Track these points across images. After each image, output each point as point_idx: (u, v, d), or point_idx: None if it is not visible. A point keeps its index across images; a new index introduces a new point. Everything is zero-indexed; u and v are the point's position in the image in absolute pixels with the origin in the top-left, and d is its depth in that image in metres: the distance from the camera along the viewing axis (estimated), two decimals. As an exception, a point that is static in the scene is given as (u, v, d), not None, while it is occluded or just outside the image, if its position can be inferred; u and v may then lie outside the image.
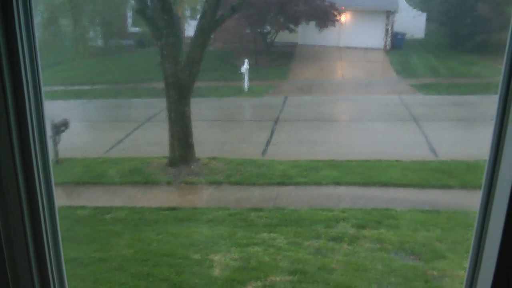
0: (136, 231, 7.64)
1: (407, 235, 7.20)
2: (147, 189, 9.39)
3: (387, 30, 20.48)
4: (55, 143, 9.74)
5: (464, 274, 1.70)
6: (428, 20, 21.32)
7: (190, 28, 12.81)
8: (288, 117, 13.85)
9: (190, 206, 8.71)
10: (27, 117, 1.55)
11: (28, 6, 1.53)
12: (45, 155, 1.66)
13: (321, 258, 6.60)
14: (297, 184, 9.28)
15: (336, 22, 18.16)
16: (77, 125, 12.33)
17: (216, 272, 6.28)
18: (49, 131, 1.66)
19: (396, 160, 10.11)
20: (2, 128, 1.51)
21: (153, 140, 11.91)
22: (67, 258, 1.84)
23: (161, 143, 10.33)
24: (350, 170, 9.75)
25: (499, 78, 1.48)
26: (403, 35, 20.45)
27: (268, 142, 11.64)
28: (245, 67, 15.68)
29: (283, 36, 19.18)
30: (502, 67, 1.47)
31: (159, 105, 12.00)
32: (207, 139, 11.53)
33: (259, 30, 18.76)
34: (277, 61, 19.16)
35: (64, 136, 10.08)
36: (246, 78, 15.67)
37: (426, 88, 15.90)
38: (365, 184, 9.17)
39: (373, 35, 20.36)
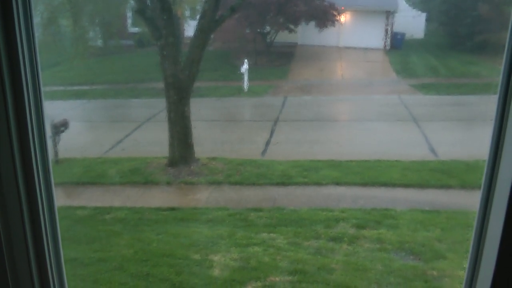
0: (136, 231, 7.64)
1: (406, 235, 7.21)
2: (147, 189, 9.39)
3: (386, 30, 20.48)
4: (55, 143, 9.74)
5: (463, 274, 1.71)
6: (427, 20, 21.33)
7: (189, 28, 12.80)
8: (288, 117, 13.85)
9: (190, 206, 8.71)
10: (26, 117, 1.55)
11: (28, 6, 1.53)
12: (45, 155, 1.66)
13: (321, 258, 6.60)
14: (297, 184, 9.28)
15: (336, 22, 18.16)
16: (77, 125, 12.33)
17: (216, 272, 6.28)
18: (48, 131, 1.67)
19: (396, 160, 10.11)
20: (1, 128, 1.51)
21: (152, 140, 11.91)
22: (66, 258, 1.84)
23: (161, 143, 10.32)
24: (350, 170, 9.75)
25: (499, 78, 1.48)
26: (402, 35, 20.46)
27: (267, 142, 11.64)
28: (244, 67, 15.68)
29: (283, 36, 19.17)
30: (502, 67, 1.47)
31: (159, 105, 12.00)
32: (207, 139, 11.53)
33: (258, 30, 18.76)
34: (277, 61, 19.16)
35: (64, 136, 10.08)
36: (245, 78, 15.67)
37: (425, 88, 15.91)
38: (365, 184, 9.17)
39: (372, 35, 20.35)
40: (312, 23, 18.02)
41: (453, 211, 8.06)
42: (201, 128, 11.29)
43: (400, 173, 9.52)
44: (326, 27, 17.91)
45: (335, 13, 17.85)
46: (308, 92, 16.32)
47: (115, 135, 12.37)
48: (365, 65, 19.62)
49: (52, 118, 10.02)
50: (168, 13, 9.70)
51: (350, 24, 20.18)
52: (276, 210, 8.23)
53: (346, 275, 6.12)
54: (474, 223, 1.59)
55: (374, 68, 19.39)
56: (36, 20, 1.55)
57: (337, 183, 9.22)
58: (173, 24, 9.82)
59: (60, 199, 8.24)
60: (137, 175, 9.76)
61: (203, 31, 9.92)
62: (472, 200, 8.05)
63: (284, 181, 9.36)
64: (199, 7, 12.68)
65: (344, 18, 19.49)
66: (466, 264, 1.66)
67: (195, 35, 10.05)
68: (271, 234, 7.34)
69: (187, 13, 15.75)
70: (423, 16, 21.08)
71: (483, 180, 1.55)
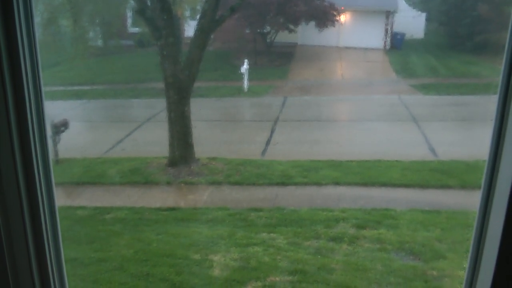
0: (136, 231, 7.64)
1: (406, 235, 7.21)
2: (147, 189, 9.39)
3: (386, 30, 20.49)
4: (55, 143, 9.74)
5: (463, 274, 1.71)
6: (427, 20, 21.33)
7: (189, 28, 12.80)
8: (288, 117, 13.85)
9: (190, 206, 8.71)
10: (27, 117, 1.55)
11: (29, 6, 1.53)
12: (46, 155, 1.66)
13: (321, 258, 6.60)
14: (297, 184, 9.28)
15: (336, 22, 18.17)
16: (77, 125, 12.33)
17: (215, 272, 6.28)
18: (48, 131, 1.67)
19: (396, 160, 10.12)
20: (2, 128, 1.51)
21: (152, 140, 11.91)
22: (67, 258, 1.84)
23: (161, 143, 10.32)
24: (350, 170, 9.75)
25: (499, 78, 1.49)
26: (402, 35, 20.46)
27: (267, 142, 11.64)
28: (244, 67, 15.68)
29: (283, 36, 19.18)
30: (502, 67, 1.47)
31: (159, 105, 12.00)
32: (207, 139, 11.53)
33: (258, 30, 18.77)
34: (277, 61, 19.17)
35: (64, 136, 10.08)
36: (246, 78, 15.68)
37: (425, 88, 15.91)
38: (365, 184, 9.17)
39: (372, 35, 20.36)
40: (312, 23, 18.03)
41: (453, 211, 8.06)
42: (201, 128, 11.29)
43: (400, 173, 9.52)
44: (326, 27, 17.92)
45: (335, 13, 17.86)
46: (308, 92, 16.32)
47: (115, 135, 12.37)
48: (365, 65, 19.62)
49: (52, 118, 10.02)
50: (168, 13, 9.70)
51: (350, 24, 20.19)
52: (276, 210, 8.23)
53: (346, 275, 6.12)
54: (474, 223, 1.59)
55: (374, 68, 19.39)
56: (36, 20, 1.55)
57: (337, 183, 9.22)
58: (173, 24, 9.82)
59: (60, 199, 8.24)
60: (137, 175, 9.76)
61: (203, 31, 9.92)
62: (472, 200, 8.05)
63: (284, 181, 9.36)
64: (199, 7, 12.68)
65: (344, 18, 19.50)
66: (466, 264, 1.66)
67: (195, 35, 10.05)
68: (271, 234, 7.34)
69: (187, 13, 15.75)
70: (423, 16, 21.08)
71: (483, 180, 1.55)
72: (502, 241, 1.42)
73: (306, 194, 9.02)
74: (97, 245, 7.08)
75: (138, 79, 17.04)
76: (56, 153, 9.77)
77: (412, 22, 20.54)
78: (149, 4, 10.38)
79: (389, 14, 20.47)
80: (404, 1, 21.31)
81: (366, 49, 20.33)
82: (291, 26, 18.44)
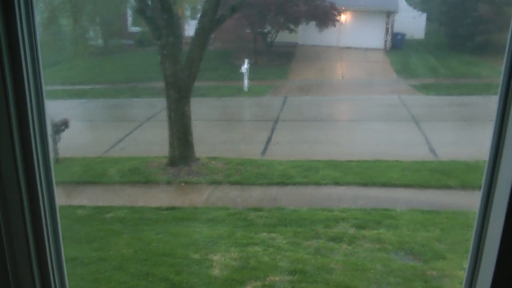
0: (136, 231, 7.64)
1: (406, 235, 7.21)
2: (147, 188, 9.39)
3: (387, 30, 20.49)
4: (55, 142, 9.74)
5: (463, 274, 1.71)
6: (428, 20, 21.33)
7: (190, 28, 12.80)
8: (288, 117, 13.86)
9: (190, 206, 8.71)
10: (28, 116, 1.55)
11: (30, 5, 1.53)
12: (46, 154, 1.66)
13: (320, 258, 6.60)
14: (296, 184, 9.28)
15: (336, 22, 18.18)
16: (77, 125, 12.33)
17: (215, 271, 6.28)
18: (49, 130, 1.67)
19: (396, 160, 10.12)
20: (3, 127, 1.52)
21: (153, 140, 11.91)
22: (66, 258, 1.84)
23: (161, 142, 10.33)
24: (350, 170, 9.75)
25: (499, 79, 1.49)
26: (403, 35, 20.46)
27: (268, 142, 11.64)
28: (245, 66, 15.69)
29: (283, 36, 19.18)
30: (502, 67, 1.47)
31: (159, 104, 12.00)
32: (207, 139, 11.54)
33: (259, 30, 18.76)
34: (277, 61, 19.17)
35: (64, 135, 10.08)
36: (246, 77, 15.68)
37: (426, 89, 15.91)
38: (364, 184, 9.18)
39: (373, 35, 20.36)
40: (313, 23, 18.03)
41: (453, 211, 8.07)
42: (202, 128, 11.30)
43: (400, 173, 9.52)
44: (327, 27, 17.93)
45: (335, 13, 17.87)
46: (308, 92, 16.32)
47: (115, 134, 12.37)
48: (365, 65, 19.62)
49: (52, 117, 10.02)
50: (169, 12, 9.70)
51: (351, 24, 20.19)
52: (276, 210, 8.23)
53: (345, 275, 6.13)
54: (474, 223, 1.60)
55: (374, 68, 19.39)
56: (37, 19, 1.55)
57: (337, 183, 9.23)
58: (173, 24, 9.81)
59: (60, 198, 8.23)
60: (137, 174, 9.76)
61: (203, 31, 9.92)
62: (472, 200, 8.05)
63: (284, 181, 9.36)
64: (199, 7, 12.67)
65: (344, 18, 19.50)
66: (466, 264, 1.66)
67: (195, 34, 10.05)
68: (271, 234, 7.34)
69: (188, 12, 15.75)
70: (423, 16, 21.08)
71: (483, 180, 1.55)
72: (502, 241, 1.43)
73: (306, 194, 9.02)
74: (97, 245, 7.08)
75: (138, 78, 17.04)
76: (56, 152, 9.77)
77: (413, 22, 20.55)
78: (150, 4, 10.38)
79: (389, 14, 20.47)
80: (404, 1, 21.31)
81: (366, 49, 20.33)
82: (292, 26, 18.45)
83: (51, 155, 1.72)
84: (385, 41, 20.55)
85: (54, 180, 1.71)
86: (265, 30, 19.06)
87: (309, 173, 9.68)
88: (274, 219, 7.85)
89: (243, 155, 10.65)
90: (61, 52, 14.64)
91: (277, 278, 6.09)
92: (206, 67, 13.94)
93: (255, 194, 9.03)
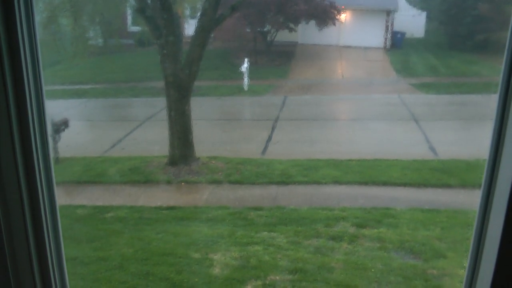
0: (136, 230, 7.64)
1: (407, 234, 7.21)
2: (147, 188, 9.39)
3: (387, 29, 20.48)
4: (55, 142, 9.74)
5: (463, 273, 1.71)
6: (428, 19, 21.32)
7: (190, 27, 12.81)
8: (288, 116, 13.85)
9: (190, 205, 8.71)
10: (28, 115, 1.56)
11: (30, 5, 1.53)
12: (46, 154, 1.66)
13: (321, 257, 6.60)
14: (297, 183, 9.28)
15: (336, 21, 18.16)
16: (77, 124, 12.32)
17: (216, 271, 6.29)
18: (49, 130, 1.67)
19: (396, 159, 10.12)
20: (3, 127, 1.52)
21: (153, 139, 11.91)
22: (67, 257, 1.84)
23: (161, 142, 10.33)
24: (350, 169, 9.75)
25: (499, 77, 1.49)
26: (403, 34, 20.45)
27: (268, 141, 11.64)
28: (245, 66, 15.68)
29: (283, 35, 19.17)
30: (502, 66, 1.47)
31: (159, 104, 12.00)
32: (207, 138, 11.54)
33: (259, 29, 18.75)
34: (277, 60, 19.16)
35: (64, 135, 10.08)
36: (246, 77, 15.67)
37: (425, 87, 15.91)
38: (365, 183, 9.18)
39: (373, 34, 20.35)
40: (313, 22, 18.02)
41: (453, 210, 8.07)
42: (202, 127, 11.29)
43: (400, 172, 9.52)
44: (326, 26, 17.92)
45: (335, 12, 17.85)
46: (308, 91, 16.32)
47: (115, 134, 12.37)
48: (365, 64, 19.62)
49: (52, 117, 10.02)
50: (168, 12, 9.69)
51: (350, 23, 20.17)
52: (276, 209, 8.23)
53: (346, 274, 6.13)
54: (474, 222, 1.60)
55: (374, 67, 19.39)
56: (36, 19, 1.55)
57: (337, 182, 9.23)
58: (173, 23, 9.81)
59: (60, 198, 8.23)
60: (137, 174, 9.76)
61: (203, 30, 9.92)
62: (472, 199, 8.05)
63: (284, 180, 9.36)
64: (199, 6, 12.67)
65: (344, 17, 19.49)
66: (466, 263, 1.66)
67: (195, 33, 10.05)
68: (271, 233, 7.34)
69: (187, 12, 15.75)
70: (423, 15, 21.07)
71: (483, 179, 1.55)
72: (502, 239, 1.43)
73: (306, 193, 9.02)
74: (97, 244, 7.09)
75: (138, 78, 17.04)
76: (56, 151, 9.77)
77: (413, 21, 20.53)
78: (149, 3, 10.37)
79: (389, 13, 20.46)
80: (404, 0, 21.29)
81: (366, 48, 20.32)
82: (292, 25, 18.44)
83: (51, 155, 1.72)
84: (385, 40, 20.54)
85: (54, 180, 1.71)
86: (265, 29, 19.05)
87: (309, 172, 9.68)
88: (275, 218, 7.85)
89: (243, 155, 10.65)
90: (61, 51, 14.61)
91: (277, 277, 6.10)
92: (206, 66, 13.94)
93: (256, 193, 9.03)
